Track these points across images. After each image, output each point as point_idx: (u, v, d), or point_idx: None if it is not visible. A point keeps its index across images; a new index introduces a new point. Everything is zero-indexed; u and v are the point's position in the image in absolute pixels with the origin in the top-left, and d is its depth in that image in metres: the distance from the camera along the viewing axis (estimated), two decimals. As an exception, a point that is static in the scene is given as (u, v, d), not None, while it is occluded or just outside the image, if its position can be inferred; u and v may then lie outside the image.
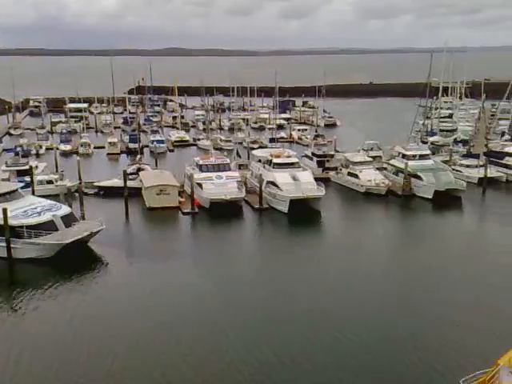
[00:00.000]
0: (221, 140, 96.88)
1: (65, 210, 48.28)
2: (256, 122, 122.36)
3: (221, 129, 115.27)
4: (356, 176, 66.27)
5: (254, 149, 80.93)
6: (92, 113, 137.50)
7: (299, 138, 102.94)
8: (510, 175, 68.60)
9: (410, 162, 65.21)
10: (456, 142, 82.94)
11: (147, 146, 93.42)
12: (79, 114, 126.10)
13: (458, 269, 42.59)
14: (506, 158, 70.17)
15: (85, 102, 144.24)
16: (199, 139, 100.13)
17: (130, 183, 60.79)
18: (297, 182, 59.62)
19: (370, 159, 70.53)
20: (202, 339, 31.91)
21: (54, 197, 54.00)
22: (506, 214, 57.88)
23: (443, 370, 27.86)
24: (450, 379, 22.64)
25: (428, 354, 29.77)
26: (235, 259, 46.10)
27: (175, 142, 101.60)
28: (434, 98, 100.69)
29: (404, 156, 67.82)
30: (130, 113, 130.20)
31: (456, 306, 35.63)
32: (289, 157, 65.27)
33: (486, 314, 34.20)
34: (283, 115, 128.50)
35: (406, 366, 28.74)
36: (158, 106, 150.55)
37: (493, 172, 68.01)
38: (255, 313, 35.20)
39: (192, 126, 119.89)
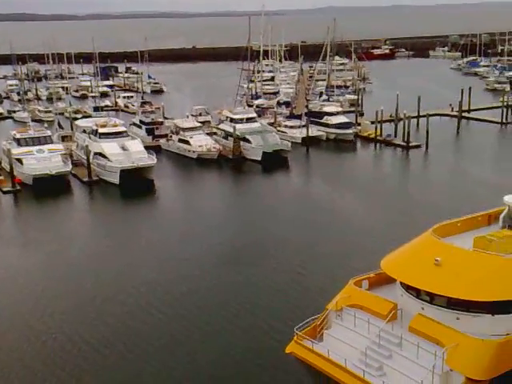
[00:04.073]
0: (39, 111, 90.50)
1: None
2: (77, 91, 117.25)
3: (38, 99, 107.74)
4: (187, 142, 66.10)
5: (77, 119, 76.81)
6: None
7: (125, 106, 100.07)
8: (329, 133, 73.36)
9: (238, 126, 66.59)
10: (279, 103, 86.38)
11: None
12: None
13: (288, 226, 44.57)
14: (325, 117, 74.81)
15: None
16: (15, 111, 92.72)
17: None
18: (126, 152, 57.89)
19: (200, 124, 70.78)
20: (18, 328, 29.93)
21: None
22: (327, 170, 62.05)
23: (279, 321, 29.08)
24: (287, 328, 23.70)
25: (262, 308, 30.91)
26: (65, 238, 43.43)
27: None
28: (256, 61, 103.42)
29: (232, 120, 69.01)
30: None
31: (284, 260, 37.39)
32: (115, 126, 63.03)
33: (316, 268, 36.37)
34: (106, 82, 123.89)
35: (243, 321, 29.54)
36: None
37: (314, 131, 72.12)
38: (86, 295, 33.62)
39: (5, 98, 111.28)
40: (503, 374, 19.15)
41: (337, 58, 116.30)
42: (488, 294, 20.12)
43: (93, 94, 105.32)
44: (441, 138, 69.27)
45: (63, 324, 30.20)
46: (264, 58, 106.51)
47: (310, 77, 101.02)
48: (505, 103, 79.65)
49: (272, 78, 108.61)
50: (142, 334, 29.07)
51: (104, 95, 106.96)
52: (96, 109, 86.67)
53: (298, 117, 75.35)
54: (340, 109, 78.72)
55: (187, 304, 31.92)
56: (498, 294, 20.08)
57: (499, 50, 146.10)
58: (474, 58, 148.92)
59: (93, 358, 27.15)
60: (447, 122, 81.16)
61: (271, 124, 74.50)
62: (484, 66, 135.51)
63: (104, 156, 57.17)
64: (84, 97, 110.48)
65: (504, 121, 78.53)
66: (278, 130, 72.03)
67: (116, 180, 55.33)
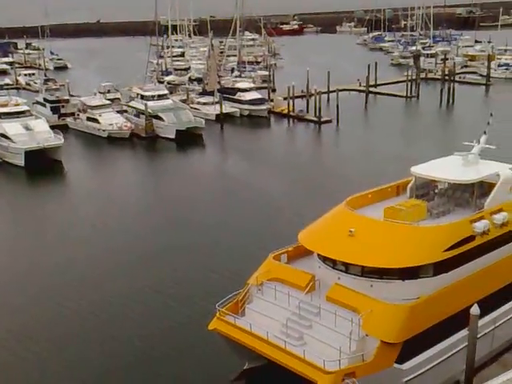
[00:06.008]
0: None
1: None
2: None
3: None
4: (96, 121, 63.91)
5: (-26, 99, 71.99)
6: None
7: (27, 84, 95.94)
8: (242, 110, 73.31)
9: (150, 103, 65.13)
10: (191, 80, 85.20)
11: None
12: None
13: (205, 204, 44.36)
14: (238, 93, 74.63)
15: None
16: None
17: None
18: (30, 132, 55.33)
19: (109, 102, 68.56)
20: None
21: None
22: (242, 147, 62.22)
23: (201, 299, 28.95)
24: (209, 306, 23.73)
25: (183, 289, 30.69)
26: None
27: None
28: (165, 36, 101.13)
29: (143, 97, 67.36)
30: None
31: (203, 238, 37.19)
32: (17, 105, 60.08)
33: (236, 244, 36.51)
34: (5, 59, 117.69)
35: (165, 304, 29.21)
36: None
37: (227, 108, 71.72)
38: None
39: None
40: (415, 335, 20.24)
41: (247, 33, 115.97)
42: (398, 261, 21.06)
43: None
44: (350, 113, 71.25)
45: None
46: (173, 33, 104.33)
47: (221, 52, 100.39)
48: (409, 77, 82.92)
49: (182, 54, 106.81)
50: (59, 321, 28.15)
51: (3, 73, 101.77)
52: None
53: (211, 93, 74.69)
54: (252, 85, 78.85)
55: (105, 290, 31.05)
56: (407, 260, 21.06)
57: (402, 26, 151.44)
58: (379, 33, 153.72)
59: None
60: (356, 96, 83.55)
61: (183, 101, 73.42)
62: (389, 41, 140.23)
63: (6, 137, 54.32)
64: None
65: (409, 95, 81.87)
66: (191, 107, 71.13)
67: (21, 162, 52.74)
